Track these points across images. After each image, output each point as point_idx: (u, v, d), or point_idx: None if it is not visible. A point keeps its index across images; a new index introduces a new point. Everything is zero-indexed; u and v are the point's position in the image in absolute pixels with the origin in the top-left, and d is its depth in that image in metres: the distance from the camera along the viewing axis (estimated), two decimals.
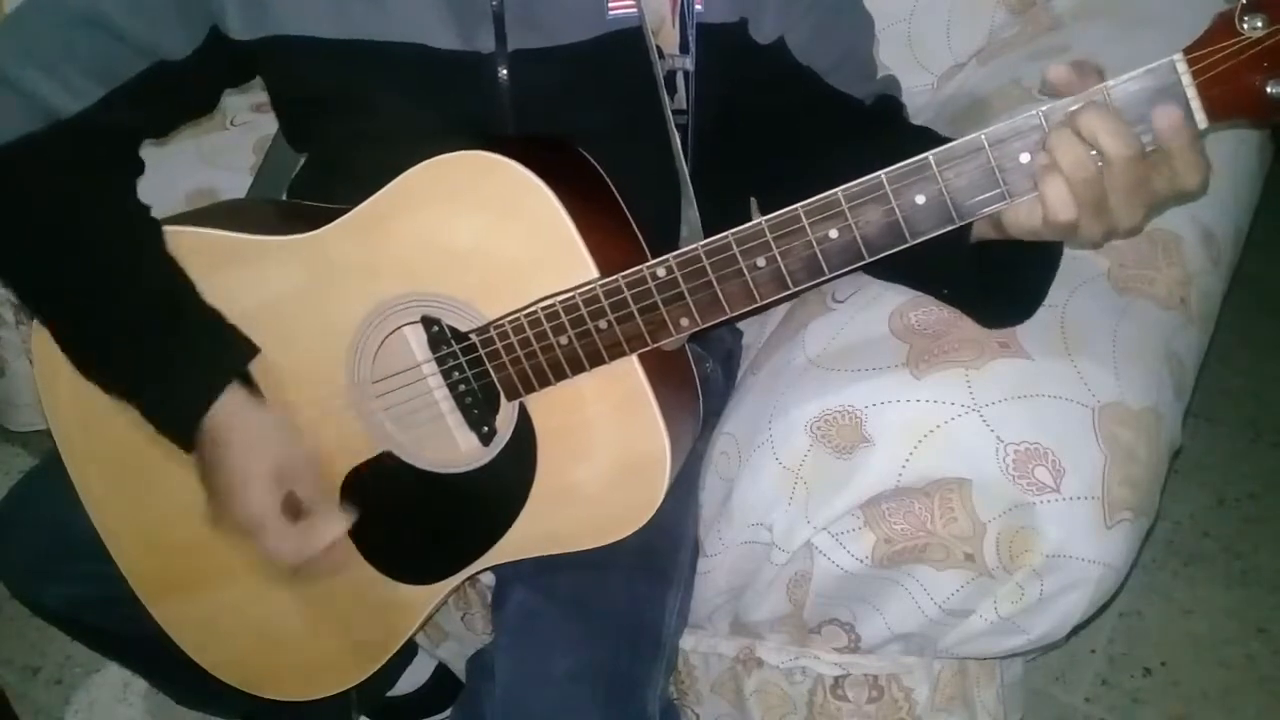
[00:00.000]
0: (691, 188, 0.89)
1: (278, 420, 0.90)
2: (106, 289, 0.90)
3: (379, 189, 0.85)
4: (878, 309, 0.96)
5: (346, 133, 0.95)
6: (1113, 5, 1.18)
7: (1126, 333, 0.92)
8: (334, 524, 0.90)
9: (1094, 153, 0.69)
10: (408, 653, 1.36)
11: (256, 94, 1.47)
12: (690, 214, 0.88)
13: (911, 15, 1.29)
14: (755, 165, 0.98)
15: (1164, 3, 1.13)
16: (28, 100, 0.89)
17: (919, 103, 1.29)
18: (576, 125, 0.89)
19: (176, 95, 0.96)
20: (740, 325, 1.23)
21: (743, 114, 0.96)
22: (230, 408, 0.88)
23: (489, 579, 1.13)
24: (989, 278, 0.86)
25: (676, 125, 0.90)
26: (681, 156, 0.89)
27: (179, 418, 0.90)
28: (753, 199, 1.08)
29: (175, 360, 0.89)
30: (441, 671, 1.40)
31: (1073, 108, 0.69)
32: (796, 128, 0.95)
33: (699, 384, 0.93)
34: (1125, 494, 0.86)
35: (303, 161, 1.12)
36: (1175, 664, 1.51)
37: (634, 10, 0.88)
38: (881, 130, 0.95)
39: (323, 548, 0.89)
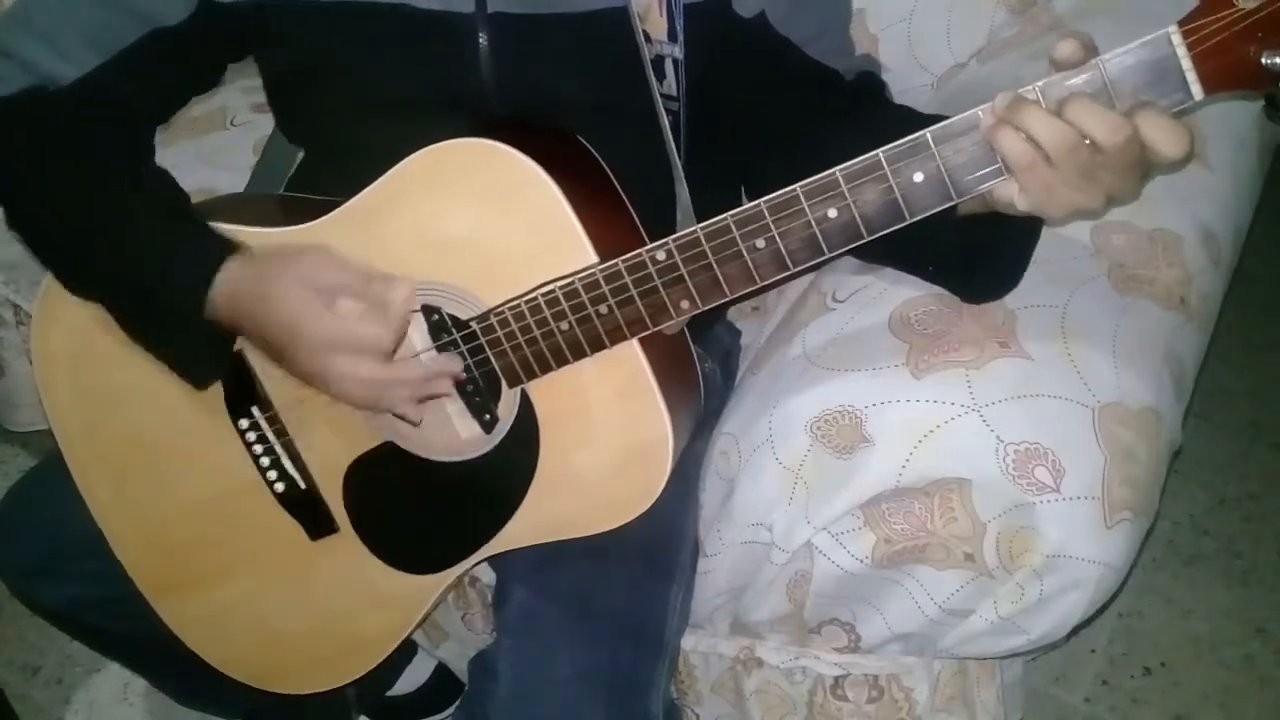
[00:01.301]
0: (682, 171, 0.88)
1: (280, 250, 0.85)
2: (104, 214, 0.89)
3: (376, 178, 0.85)
4: (877, 308, 0.96)
5: (335, 106, 0.95)
6: (1113, 5, 1.18)
7: (1126, 333, 0.92)
8: (402, 295, 0.82)
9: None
10: (408, 651, 1.36)
11: (256, 94, 1.47)
12: (682, 194, 0.88)
13: (911, 15, 1.29)
14: (744, 149, 0.98)
15: (1164, 2, 1.12)
16: (28, 69, 0.91)
17: (918, 102, 1.28)
18: (558, 100, 0.89)
19: (174, 66, 0.96)
20: (739, 325, 1.23)
21: (729, 96, 0.95)
22: (232, 275, 0.84)
23: (489, 578, 1.13)
24: (973, 252, 0.86)
25: (667, 111, 0.90)
26: (672, 141, 0.89)
27: (183, 303, 0.86)
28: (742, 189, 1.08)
29: (169, 253, 0.87)
30: (441, 671, 1.40)
31: (1067, 81, 0.69)
32: (782, 105, 0.95)
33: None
34: (1125, 494, 0.86)
35: (300, 158, 1.12)
36: (1175, 664, 1.51)
37: None
38: (866, 108, 0.95)
39: (404, 326, 0.83)
